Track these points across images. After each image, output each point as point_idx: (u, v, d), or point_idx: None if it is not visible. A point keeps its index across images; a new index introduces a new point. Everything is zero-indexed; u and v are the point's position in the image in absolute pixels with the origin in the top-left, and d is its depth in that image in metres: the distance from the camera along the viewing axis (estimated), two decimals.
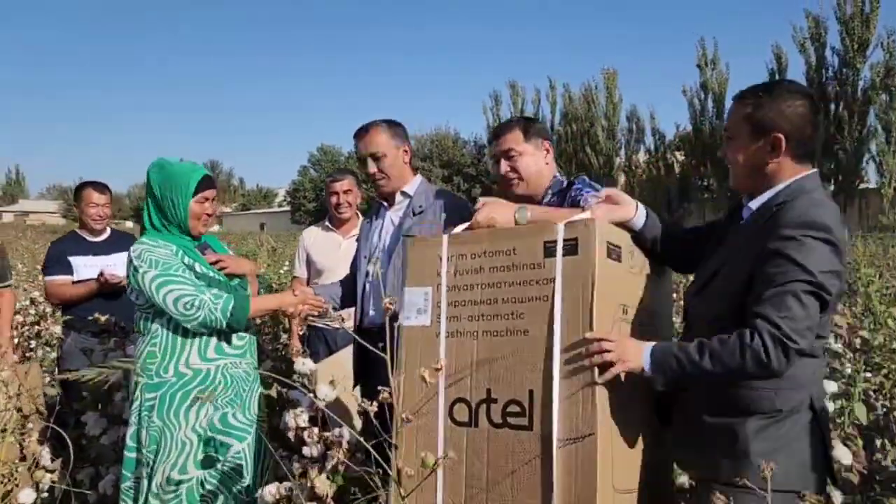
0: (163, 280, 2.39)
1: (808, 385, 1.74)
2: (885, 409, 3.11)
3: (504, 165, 2.45)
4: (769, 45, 41.93)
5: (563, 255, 1.77)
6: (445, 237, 2.00)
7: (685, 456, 1.92)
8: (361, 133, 2.78)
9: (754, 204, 1.81)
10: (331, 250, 4.00)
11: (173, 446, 2.42)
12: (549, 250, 1.80)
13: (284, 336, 4.57)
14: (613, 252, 1.82)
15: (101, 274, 3.81)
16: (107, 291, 3.82)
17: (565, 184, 2.43)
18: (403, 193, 2.83)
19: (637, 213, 2.01)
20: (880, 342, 3.34)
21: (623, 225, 2.00)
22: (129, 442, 2.49)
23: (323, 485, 2.03)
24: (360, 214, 4.16)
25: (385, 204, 2.88)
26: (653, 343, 1.76)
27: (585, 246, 1.75)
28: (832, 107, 32.55)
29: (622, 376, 1.73)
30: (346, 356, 3.36)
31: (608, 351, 1.70)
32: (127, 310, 3.73)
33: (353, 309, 3.09)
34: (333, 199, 4.04)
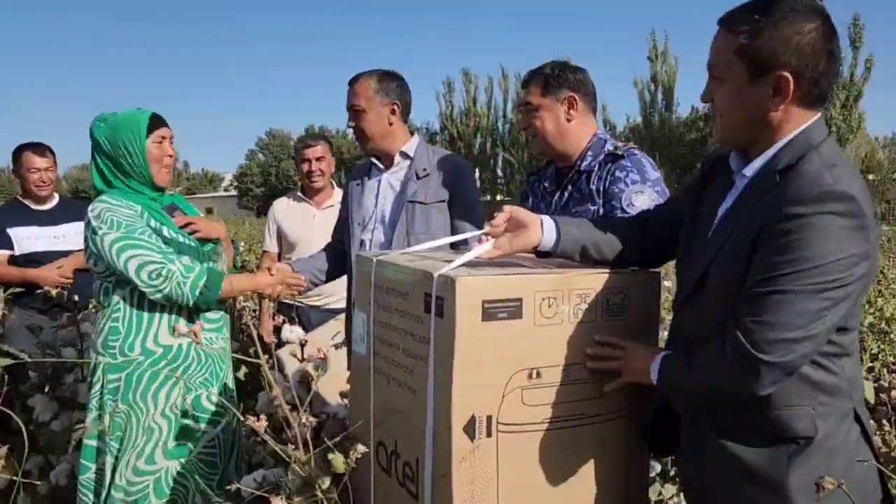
0: (125, 244, 2.11)
1: (850, 391, 1.35)
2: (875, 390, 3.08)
3: (522, 120, 2.28)
4: None
5: (435, 314, 1.45)
6: (374, 261, 1.71)
7: (695, 495, 1.53)
8: (351, 82, 2.54)
9: (749, 170, 1.37)
10: (304, 222, 3.74)
11: (140, 433, 2.16)
12: (428, 305, 1.47)
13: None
14: (500, 310, 1.43)
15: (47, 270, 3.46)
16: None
17: (608, 147, 2.16)
18: (403, 154, 2.58)
19: (544, 232, 1.58)
20: (871, 322, 3.29)
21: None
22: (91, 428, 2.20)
23: (314, 470, 1.81)
24: (334, 184, 3.92)
25: (380, 165, 2.63)
26: (664, 352, 1.45)
27: (449, 308, 1.41)
28: None
29: (529, 449, 1.49)
30: (321, 336, 3.14)
31: (613, 359, 1.48)
32: (80, 282, 3.44)
33: (331, 284, 2.87)
34: (305, 167, 3.76)
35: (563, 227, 1.59)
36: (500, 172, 41.40)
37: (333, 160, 3.85)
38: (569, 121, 2.19)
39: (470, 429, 1.43)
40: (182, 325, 1.90)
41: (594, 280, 1.54)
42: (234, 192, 54.43)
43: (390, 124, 2.56)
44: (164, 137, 2.26)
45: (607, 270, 1.58)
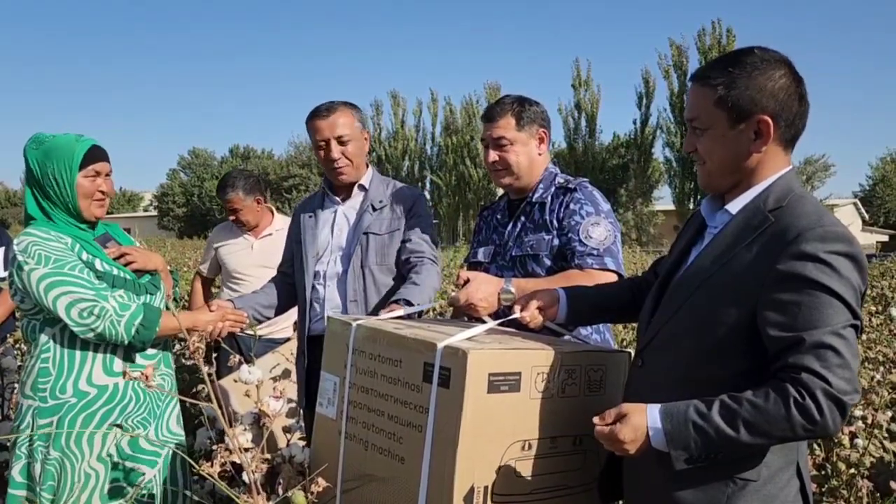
0: (54, 280, 1.98)
1: (797, 443, 1.40)
2: None
3: (492, 154, 2.25)
4: (639, 68, 44.38)
5: (438, 384, 1.47)
6: (354, 326, 1.74)
7: None
8: (323, 113, 2.47)
9: (734, 207, 1.44)
10: (242, 251, 3.71)
11: (76, 480, 2.02)
12: (428, 374, 1.50)
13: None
14: (503, 383, 1.47)
15: None
16: None
17: (559, 180, 2.25)
18: (360, 186, 2.56)
19: (559, 306, 1.78)
20: None
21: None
22: (18, 477, 2.05)
23: None
24: (273, 210, 3.85)
25: (335, 197, 2.58)
26: (656, 411, 1.34)
27: (457, 380, 1.43)
28: None
29: None
30: (263, 367, 3.04)
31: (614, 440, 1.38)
32: None
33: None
34: (231, 216, 3.69)
35: (572, 298, 1.78)
36: (427, 195, 41.68)
37: (257, 198, 3.66)
38: (539, 155, 2.26)
39: (469, 499, 1.45)
40: (127, 366, 1.78)
41: (580, 357, 1.62)
42: (154, 213, 52.58)
43: (365, 152, 2.57)
44: (98, 172, 2.12)
45: (591, 347, 1.69)
